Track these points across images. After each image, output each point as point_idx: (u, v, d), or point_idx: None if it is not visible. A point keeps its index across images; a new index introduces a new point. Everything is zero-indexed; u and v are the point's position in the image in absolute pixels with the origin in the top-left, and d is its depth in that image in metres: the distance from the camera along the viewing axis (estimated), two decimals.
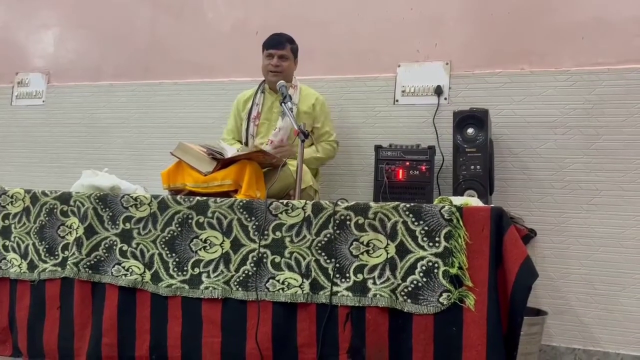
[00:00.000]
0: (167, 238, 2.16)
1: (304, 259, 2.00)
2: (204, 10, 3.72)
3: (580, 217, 2.82)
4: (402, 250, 1.90)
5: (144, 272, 2.15)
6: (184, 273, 2.11)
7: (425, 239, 1.88)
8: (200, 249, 2.12)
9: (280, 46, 2.90)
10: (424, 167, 2.77)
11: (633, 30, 2.86)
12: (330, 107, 3.09)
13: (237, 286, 2.04)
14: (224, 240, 2.09)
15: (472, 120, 2.70)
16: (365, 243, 1.95)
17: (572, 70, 2.92)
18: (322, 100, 2.99)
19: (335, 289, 1.94)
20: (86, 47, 4.00)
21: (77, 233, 2.25)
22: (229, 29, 3.63)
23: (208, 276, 2.08)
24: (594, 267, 2.77)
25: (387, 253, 1.92)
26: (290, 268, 2.01)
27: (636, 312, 2.69)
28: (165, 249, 2.15)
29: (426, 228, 1.89)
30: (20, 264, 2.33)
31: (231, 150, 2.43)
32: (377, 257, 1.93)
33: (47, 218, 2.34)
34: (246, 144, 2.92)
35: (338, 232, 1.97)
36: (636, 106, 2.80)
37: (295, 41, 2.98)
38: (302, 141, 2.30)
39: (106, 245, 2.22)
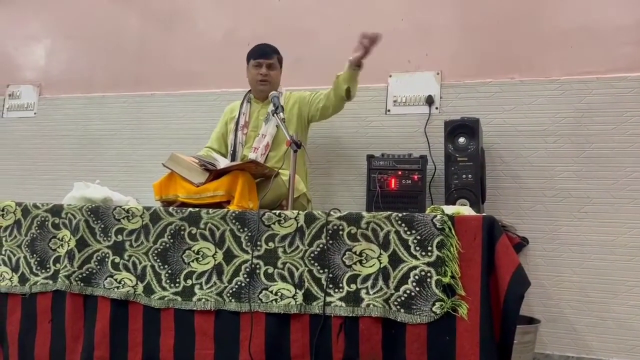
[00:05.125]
0: (159, 250, 2.15)
1: (297, 269, 2.00)
2: (195, 20, 3.73)
3: (572, 225, 2.83)
4: (395, 260, 1.90)
5: (136, 284, 2.14)
6: (177, 285, 2.10)
7: (417, 248, 1.89)
8: (192, 261, 2.11)
9: (267, 55, 2.92)
10: (416, 177, 2.78)
11: (621, 39, 2.89)
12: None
13: (230, 297, 2.03)
14: (216, 252, 2.09)
15: (463, 129, 2.72)
16: (358, 253, 1.95)
17: (561, 79, 2.95)
18: (297, 93, 3.00)
19: (328, 299, 1.94)
20: (77, 59, 4.00)
21: (68, 245, 2.24)
22: (220, 39, 3.64)
23: (201, 288, 2.07)
24: (586, 274, 2.79)
25: (380, 263, 1.92)
26: (283, 279, 2.00)
27: (628, 319, 2.70)
28: (158, 260, 2.14)
29: (419, 237, 1.89)
30: (11, 278, 2.31)
31: (223, 161, 2.43)
32: (370, 267, 1.93)
33: (38, 231, 2.32)
34: (234, 152, 2.92)
35: (331, 242, 1.97)
36: (625, 114, 2.83)
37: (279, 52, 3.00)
38: (295, 151, 2.30)
39: (98, 258, 2.21)
